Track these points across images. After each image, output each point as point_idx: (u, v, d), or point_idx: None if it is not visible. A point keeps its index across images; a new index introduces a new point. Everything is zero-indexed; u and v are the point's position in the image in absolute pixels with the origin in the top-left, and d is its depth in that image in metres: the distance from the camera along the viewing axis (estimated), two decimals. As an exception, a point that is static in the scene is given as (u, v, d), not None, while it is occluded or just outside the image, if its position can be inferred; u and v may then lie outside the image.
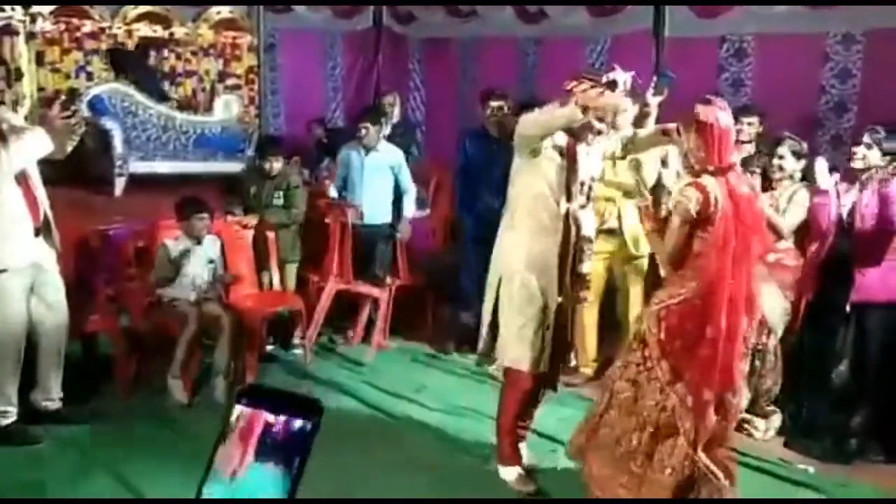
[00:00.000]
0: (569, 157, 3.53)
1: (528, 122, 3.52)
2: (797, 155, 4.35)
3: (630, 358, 3.35)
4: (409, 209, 5.82)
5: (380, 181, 5.67)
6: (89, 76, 7.79)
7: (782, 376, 4.39)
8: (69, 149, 4.00)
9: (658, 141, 3.65)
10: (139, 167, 7.40)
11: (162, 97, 7.98)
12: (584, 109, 3.30)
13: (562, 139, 3.52)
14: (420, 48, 8.99)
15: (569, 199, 3.54)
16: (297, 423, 0.75)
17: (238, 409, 0.76)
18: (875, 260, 4.06)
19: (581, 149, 3.56)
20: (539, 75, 7.79)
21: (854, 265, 4.10)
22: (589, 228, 3.66)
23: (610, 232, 4.72)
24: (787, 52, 6.19)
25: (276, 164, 5.44)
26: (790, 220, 4.31)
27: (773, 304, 4.24)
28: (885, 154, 4.07)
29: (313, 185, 6.56)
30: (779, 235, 4.27)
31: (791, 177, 4.36)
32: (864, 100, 5.98)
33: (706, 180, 3.14)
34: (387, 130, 6.83)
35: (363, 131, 5.62)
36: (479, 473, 3.88)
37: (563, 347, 3.73)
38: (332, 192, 5.84)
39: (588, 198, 3.66)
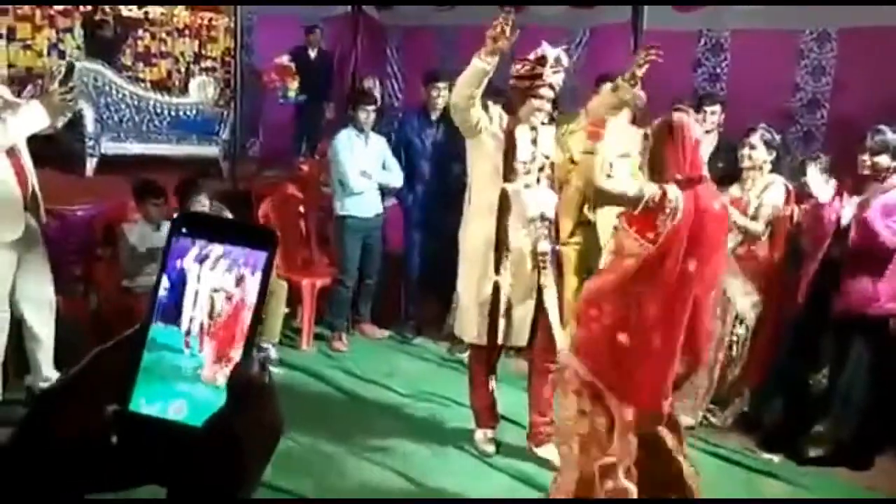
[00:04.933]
0: (506, 137, 3.63)
1: (454, 91, 3.67)
2: (768, 145, 4.29)
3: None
4: (392, 179, 5.41)
5: (379, 169, 5.36)
6: (61, 54, 7.65)
7: (759, 373, 4.41)
8: (59, 124, 4.03)
9: (610, 101, 3.64)
10: (111, 148, 7.27)
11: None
12: (490, 54, 3.39)
13: (501, 118, 3.65)
14: (398, 35, 8.95)
15: (507, 178, 3.63)
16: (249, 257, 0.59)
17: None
18: (864, 271, 3.92)
19: (522, 129, 3.64)
20: (517, 65, 7.78)
21: (843, 274, 3.96)
22: (542, 207, 3.68)
23: (586, 223, 4.74)
24: (763, 47, 6.25)
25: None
26: (761, 221, 4.24)
27: (743, 297, 4.27)
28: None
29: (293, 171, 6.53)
30: (754, 238, 4.27)
31: (760, 168, 4.30)
32: (837, 97, 6.06)
33: (671, 190, 2.90)
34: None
35: (364, 115, 5.26)
36: (448, 457, 3.92)
37: (524, 326, 3.78)
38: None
39: (545, 178, 3.72)
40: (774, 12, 5.99)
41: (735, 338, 4.34)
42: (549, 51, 3.58)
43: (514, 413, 4.13)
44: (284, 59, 8.03)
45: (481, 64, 3.42)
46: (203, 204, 4.70)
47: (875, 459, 4.06)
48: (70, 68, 3.98)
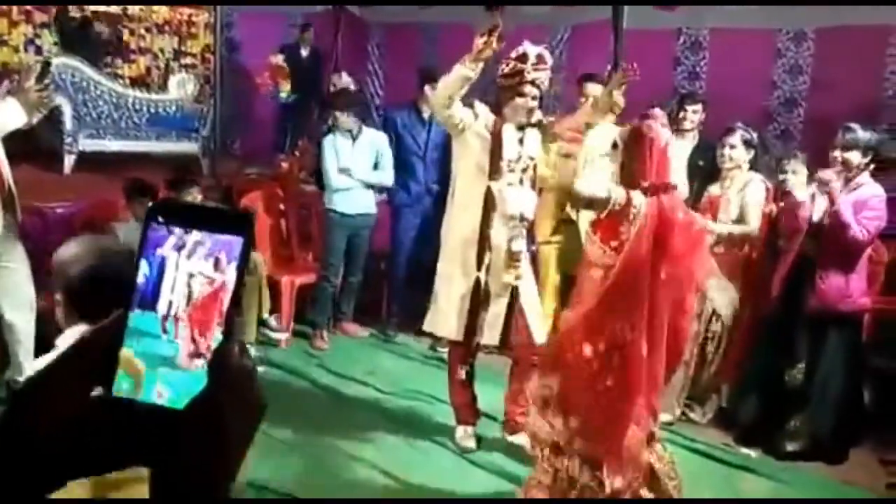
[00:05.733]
0: (493, 136, 3.66)
1: (435, 92, 3.68)
2: (748, 145, 4.35)
3: None
4: (380, 178, 5.36)
5: (366, 168, 5.32)
6: (38, 50, 7.58)
7: (735, 369, 4.45)
8: (34, 121, 3.96)
9: (590, 116, 3.70)
10: (89, 145, 7.21)
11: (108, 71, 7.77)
12: (475, 62, 3.42)
13: (488, 118, 3.67)
14: (379, 32, 8.93)
15: (492, 176, 3.66)
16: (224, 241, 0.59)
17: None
18: (837, 267, 3.97)
19: (509, 129, 3.66)
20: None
21: (817, 270, 4.01)
22: (521, 206, 3.70)
23: (568, 221, 4.75)
24: (741, 46, 6.31)
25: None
26: (752, 222, 4.29)
27: (720, 293, 4.31)
28: (866, 151, 3.93)
29: (274, 168, 6.50)
30: (747, 239, 4.32)
31: (739, 167, 4.35)
32: (814, 96, 6.13)
33: (636, 196, 2.93)
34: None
35: (342, 117, 5.24)
36: (430, 453, 3.93)
37: (497, 323, 3.79)
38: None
39: (528, 178, 3.76)
40: (752, 11, 6.05)
41: (712, 334, 4.38)
42: (531, 48, 3.62)
43: (496, 409, 4.14)
44: (279, 59, 7.99)
45: (465, 70, 3.45)
46: (196, 198, 4.69)
47: (850, 453, 4.12)
48: (46, 65, 3.91)
